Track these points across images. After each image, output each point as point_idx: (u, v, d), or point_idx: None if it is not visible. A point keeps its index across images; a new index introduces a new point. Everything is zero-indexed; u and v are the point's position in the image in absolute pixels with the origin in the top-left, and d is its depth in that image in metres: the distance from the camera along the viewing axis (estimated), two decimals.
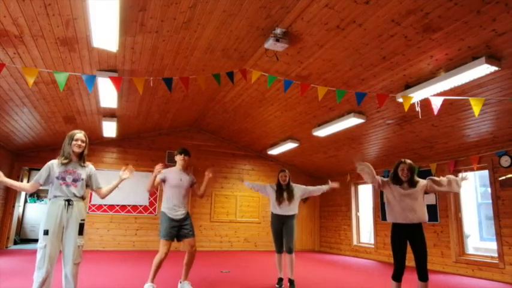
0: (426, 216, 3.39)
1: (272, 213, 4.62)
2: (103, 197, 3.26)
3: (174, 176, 4.04)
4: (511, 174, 5.58)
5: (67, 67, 4.55)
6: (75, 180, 2.97)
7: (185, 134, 9.38)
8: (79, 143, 3.01)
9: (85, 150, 3.07)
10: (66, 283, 2.84)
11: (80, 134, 3.04)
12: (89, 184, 3.13)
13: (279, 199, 4.50)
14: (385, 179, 3.58)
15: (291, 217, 4.50)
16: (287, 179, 4.58)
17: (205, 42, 4.37)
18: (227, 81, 5.61)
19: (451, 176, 3.48)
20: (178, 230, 3.93)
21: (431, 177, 3.51)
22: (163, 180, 4.02)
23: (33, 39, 3.81)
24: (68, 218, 2.87)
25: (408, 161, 3.48)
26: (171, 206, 3.95)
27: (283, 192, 4.54)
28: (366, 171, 3.50)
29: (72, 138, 3.01)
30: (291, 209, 4.51)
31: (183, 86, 5.64)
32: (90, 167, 3.16)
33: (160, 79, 4.76)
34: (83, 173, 3.04)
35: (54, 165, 2.96)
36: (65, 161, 2.96)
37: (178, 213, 3.94)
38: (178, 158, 4.18)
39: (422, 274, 3.22)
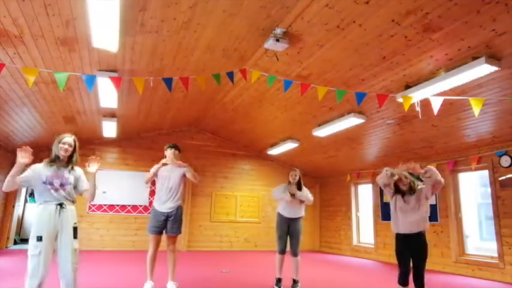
0: (426, 225, 3.35)
1: (279, 213, 4.57)
2: (91, 199, 3.05)
3: (164, 170, 4.14)
4: (511, 174, 5.58)
5: (67, 67, 4.55)
6: (62, 185, 2.82)
7: (185, 134, 9.38)
8: (66, 146, 2.86)
9: (74, 154, 2.93)
10: None
11: (68, 138, 2.89)
12: (76, 187, 2.96)
13: (293, 198, 4.43)
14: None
15: (298, 219, 4.46)
16: (297, 178, 4.52)
17: (205, 42, 4.37)
18: (227, 81, 5.61)
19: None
20: (166, 224, 3.99)
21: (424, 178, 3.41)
22: (156, 175, 4.12)
23: (33, 39, 3.81)
24: (61, 222, 2.73)
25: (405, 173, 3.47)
26: (159, 199, 4.06)
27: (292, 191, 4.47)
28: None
29: (59, 142, 2.87)
30: (298, 211, 4.47)
31: (183, 86, 5.64)
32: (78, 170, 3.00)
33: (160, 79, 4.76)
34: (70, 177, 2.88)
35: (39, 169, 2.80)
36: (51, 164, 2.82)
37: (166, 207, 4.01)
38: (169, 153, 4.21)
39: (418, 283, 3.23)
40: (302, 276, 5.30)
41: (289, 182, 4.54)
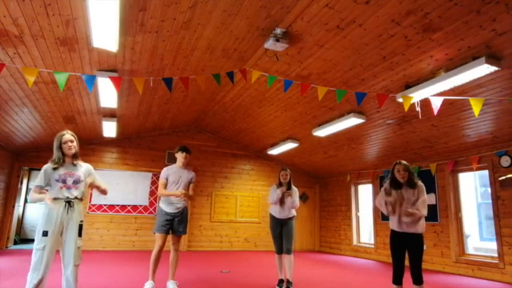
0: (422, 227, 3.31)
1: (271, 214, 4.61)
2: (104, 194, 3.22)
3: (174, 173, 4.14)
4: (511, 174, 5.58)
5: (67, 67, 4.55)
6: (75, 182, 2.94)
7: (185, 134, 9.38)
8: (69, 144, 2.94)
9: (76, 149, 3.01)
10: (67, 285, 2.81)
11: (67, 135, 2.96)
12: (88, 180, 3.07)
13: (282, 199, 4.46)
14: (386, 190, 3.53)
15: (290, 219, 4.49)
16: (288, 177, 4.55)
17: (205, 42, 4.37)
18: (227, 81, 5.61)
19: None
20: (172, 224, 4.01)
21: (418, 204, 3.35)
22: (167, 179, 4.13)
23: (33, 39, 3.81)
24: (68, 219, 2.85)
25: (403, 161, 3.49)
26: (167, 200, 4.06)
27: (284, 192, 4.49)
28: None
29: (60, 142, 2.93)
30: (289, 212, 4.49)
31: (183, 86, 5.64)
32: (86, 165, 3.10)
33: (160, 79, 4.76)
34: (81, 174, 2.99)
35: (50, 168, 2.91)
36: (56, 166, 2.89)
37: (173, 207, 4.04)
38: (180, 156, 4.21)
39: (416, 279, 3.26)
40: (302, 276, 5.30)
41: (280, 182, 4.55)
